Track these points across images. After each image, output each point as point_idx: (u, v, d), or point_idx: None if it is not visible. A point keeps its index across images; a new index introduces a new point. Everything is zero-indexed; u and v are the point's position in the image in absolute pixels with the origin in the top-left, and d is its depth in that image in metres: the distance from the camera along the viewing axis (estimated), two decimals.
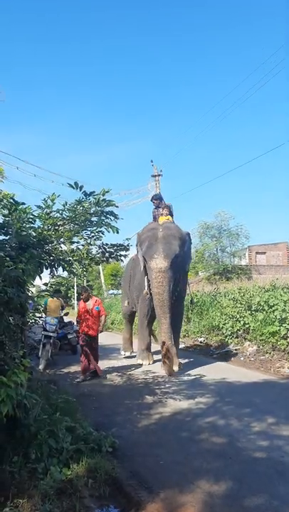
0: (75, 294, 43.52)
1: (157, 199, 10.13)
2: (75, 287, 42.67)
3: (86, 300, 8.49)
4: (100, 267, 40.73)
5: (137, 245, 9.24)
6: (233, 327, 11.70)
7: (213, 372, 8.32)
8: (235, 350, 10.94)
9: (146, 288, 8.88)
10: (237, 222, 34.31)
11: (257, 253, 36.65)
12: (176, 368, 8.28)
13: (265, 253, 36.80)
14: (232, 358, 10.34)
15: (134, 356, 10.28)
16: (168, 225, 8.96)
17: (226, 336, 11.89)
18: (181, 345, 12.75)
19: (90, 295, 8.81)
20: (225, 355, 10.85)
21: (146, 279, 8.92)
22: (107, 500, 3.32)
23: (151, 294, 8.70)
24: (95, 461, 3.74)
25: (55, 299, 11.14)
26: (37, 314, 8.88)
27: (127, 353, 11.54)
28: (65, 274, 6.22)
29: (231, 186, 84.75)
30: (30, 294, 6.43)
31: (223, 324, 12.14)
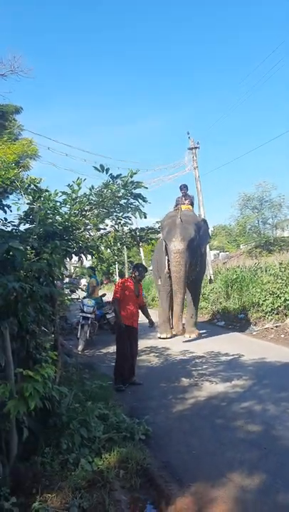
0: (117, 270, 43.97)
1: (184, 188, 11.51)
2: (117, 264, 43.01)
3: (139, 281, 6.76)
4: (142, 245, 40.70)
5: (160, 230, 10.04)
6: (273, 303, 11.36)
7: (252, 351, 8.12)
8: (276, 327, 10.65)
9: (166, 267, 10.29)
10: (279, 193, 32.94)
11: None
12: (194, 336, 10.30)
13: None
14: (272, 336, 10.08)
15: (161, 336, 10.71)
16: (185, 213, 10.38)
17: (266, 313, 11.58)
18: (221, 323, 12.71)
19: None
20: (265, 332, 10.60)
21: (166, 260, 10.31)
22: (137, 492, 3.31)
23: (170, 272, 10.08)
24: (127, 450, 3.72)
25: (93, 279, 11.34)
26: (74, 296, 8.98)
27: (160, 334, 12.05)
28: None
29: (273, 155, 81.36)
30: (66, 279, 6.46)
31: (264, 301, 11.81)
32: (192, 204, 11.37)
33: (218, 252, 41.24)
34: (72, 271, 5.28)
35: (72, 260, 5.32)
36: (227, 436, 4.13)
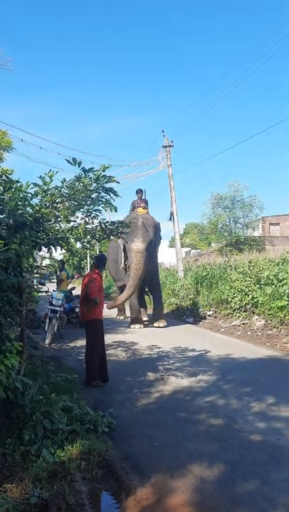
0: (88, 265, 43.72)
1: (140, 192, 12.72)
2: (88, 258, 42.77)
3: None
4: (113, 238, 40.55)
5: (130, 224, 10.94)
6: (241, 301, 11.61)
7: (219, 347, 8.29)
8: (243, 324, 10.89)
9: (122, 263, 12.01)
10: (251, 193, 33.66)
11: (270, 224, 36.04)
12: (161, 324, 11.54)
13: (278, 224, 36.16)
14: (239, 333, 10.32)
15: (134, 326, 11.61)
16: (146, 216, 11.82)
17: (234, 310, 11.83)
18: (190, 319, 12.90)
19: None
20: (233, 329, 10.83)
21: (123, 257, 11.93)
22: (99, 483, 3.34)
23: (126, 268, 11.75)
24: (89, 442, 3.74)
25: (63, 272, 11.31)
26: (44, 289, 8.94)
27: (121, 318, 13.71)
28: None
29: (246, 156, 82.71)
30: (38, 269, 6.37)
31: (232, 298, 12.04)
32: (147, 207, 12.61)
33: (189, 249, 41.69)
34: (41, 262, 5.23)
35: (42, 252, 5.27)
36: (189, 429, 4.20)
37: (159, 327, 11.50)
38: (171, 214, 19.44)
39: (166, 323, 11.66)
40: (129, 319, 12.54)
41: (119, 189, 5.35)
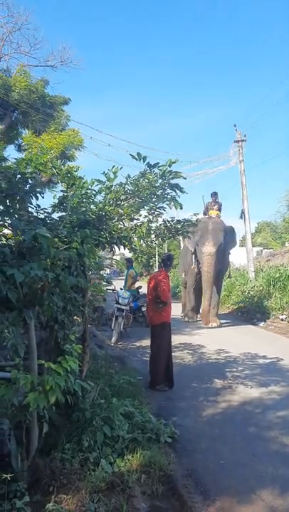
0: (157, 263, 43.80)
1: (214, 196, 13.26)
2: (157, 256, 42.85)
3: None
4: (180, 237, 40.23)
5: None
6: None
7: None
8: None
9: (193, 264, 12.50)
10: None
11: None
12: (215, 324, 11.72)
13: None
14: None
15: (201, 328, 11.58)
16: (216, 220, 12.34)
17: None
18: (260, 323, 12.28)
19: None
20: None
21: (194, 259, 12.46)
22: (158, 500, 3.09)
23: (198, 269, 12.21)
24: (150, 453, 3.52)
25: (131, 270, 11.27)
26: (109, 287, 8.89)
27: (186, 318, 13.56)
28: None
29: None
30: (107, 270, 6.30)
31: None
32: (220, 210, 13.11)
33: (261, 249, 40.09)
34: (111, 261, 5.16)
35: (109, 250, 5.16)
36: (260, 447, 3.83)
37: (211, 327, 11.67)
38: (242, 212, 18.64)
39: (218, 324, 11.85)
40: (195, 321, 12.97)
41: (187, 187, 5.08)
